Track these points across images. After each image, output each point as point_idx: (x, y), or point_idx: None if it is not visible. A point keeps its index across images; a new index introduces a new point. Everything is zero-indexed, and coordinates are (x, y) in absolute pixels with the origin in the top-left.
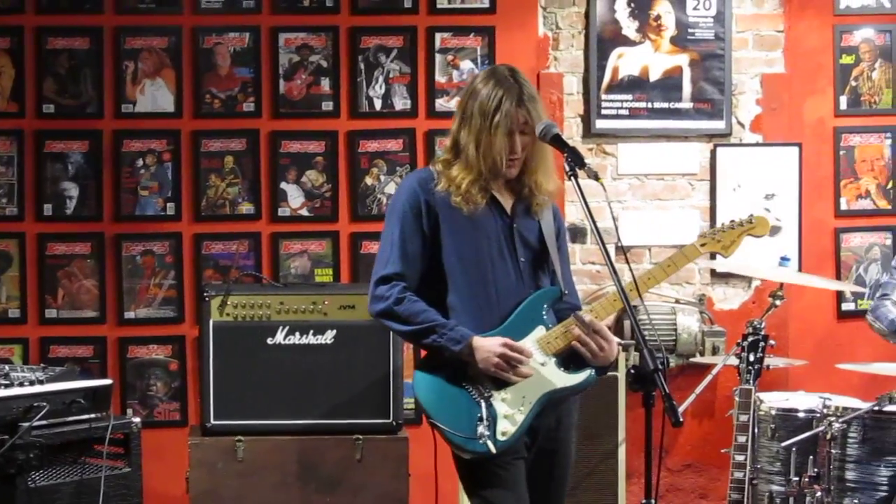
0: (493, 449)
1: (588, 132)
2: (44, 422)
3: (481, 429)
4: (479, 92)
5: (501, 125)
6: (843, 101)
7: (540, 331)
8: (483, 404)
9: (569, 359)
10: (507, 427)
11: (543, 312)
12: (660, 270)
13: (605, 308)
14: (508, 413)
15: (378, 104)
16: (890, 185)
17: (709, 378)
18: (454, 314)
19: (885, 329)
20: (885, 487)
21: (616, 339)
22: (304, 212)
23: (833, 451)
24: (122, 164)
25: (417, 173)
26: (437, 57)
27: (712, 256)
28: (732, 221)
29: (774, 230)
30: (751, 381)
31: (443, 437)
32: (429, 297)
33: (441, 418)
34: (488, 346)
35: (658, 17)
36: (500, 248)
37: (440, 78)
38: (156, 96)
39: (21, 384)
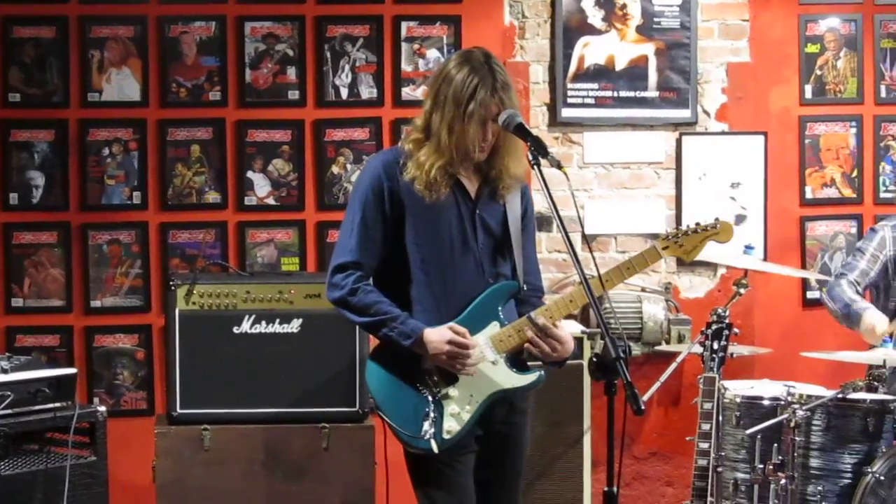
0: (435, 448)
1: (554, 121)
2: (8, 411)
3: (426, 426)
4: (454, 78)
5: (476, 114)
6: (809, 90)
7: (494, 327)
8: (430, 401)
9: (520, 356)
10: (452, 426)
11: (500, 308)
12: (618, 273)
13: (559, 309)
14: (455, 412)
15: (344, 93)
16: (855, 174)
17: (674, 366)
18: (412, 304)
19: (839, 311)
20: (848, 475)
21: (579, 330)
22: (271, 201)
23: (797, 438)
24: (88, 153)
25: (382, 156)
26: (404, 46)
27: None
28: (697, 225)
29: (740, 218)
30: (715, 369)
31: (390, 430)
32: (391, 285)
33: (389, 413)
34: (436, 338)
35: (624, 6)
36: (461, 234)
37: (406, 67)
38: (122, 85)
39: None
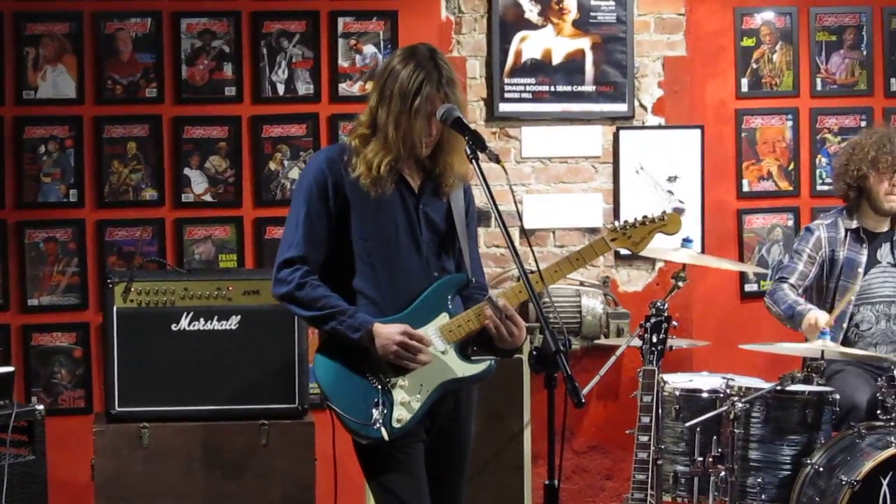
0: (386, 436)
1: (491, 116)
2: None
3: (376, 415)
4: (399, 73)
5: (422, 109)
6: (745, 84)
7: (443, 318)
8: (380, 390)
9: (469, 348)
10: (402, 414)
11: (448, 300)
12: (567, 264)
13: (508, 298)
14: (405, 400)
15: (281, 89)
16: (791, 167)
17: (613, 360)
18: (359, 297)
19: (782, 314)
20: (787, 466)
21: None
22: (208, 197)
23: (736, 430)
24: (23, 151)
25: (326, 152)
26: (340, 41)
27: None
28: (645, 217)
29: (677, 212)
30: (654, 362)
31: (339, 421)
32: (335, 279)
33: (338, 403)
34: (387, 333)
35: (560, 1)
36: (406, 229)
37: (343, 62)
38: (57, 82)
39: None
